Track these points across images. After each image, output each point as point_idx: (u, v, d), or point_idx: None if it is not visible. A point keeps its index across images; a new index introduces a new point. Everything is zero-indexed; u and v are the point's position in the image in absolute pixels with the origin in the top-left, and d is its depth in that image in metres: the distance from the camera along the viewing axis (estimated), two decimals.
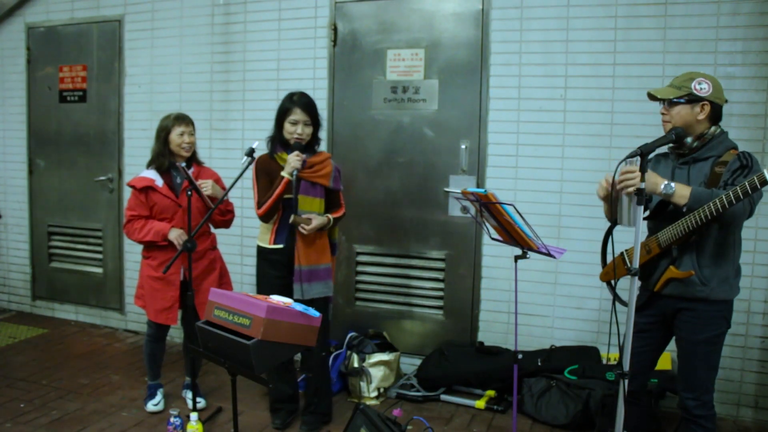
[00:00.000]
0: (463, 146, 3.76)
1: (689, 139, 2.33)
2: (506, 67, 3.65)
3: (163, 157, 3.23)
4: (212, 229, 3.42)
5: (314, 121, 3.03)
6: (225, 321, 2.22)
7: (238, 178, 2.92)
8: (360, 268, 4.06)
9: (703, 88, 2.28)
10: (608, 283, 2.65)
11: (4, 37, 5.03)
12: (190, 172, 3.24)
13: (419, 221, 3.91)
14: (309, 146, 3.05)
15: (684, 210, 2.20)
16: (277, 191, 2.93)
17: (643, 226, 2.35)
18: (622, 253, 2.57)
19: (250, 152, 2.91)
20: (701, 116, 2.29)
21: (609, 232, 2.58)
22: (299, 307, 2.28)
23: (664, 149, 2.41)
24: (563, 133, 3.57)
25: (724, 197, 2.09)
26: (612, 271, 2.57)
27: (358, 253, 4.04)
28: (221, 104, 4.34)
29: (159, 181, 3.22)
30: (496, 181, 3.70)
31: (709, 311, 2.31)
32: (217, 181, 3.34)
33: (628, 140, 3.22)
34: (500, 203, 2.43)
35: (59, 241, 5.02)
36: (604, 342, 3.51)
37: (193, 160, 3.32)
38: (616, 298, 2.48)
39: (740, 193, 2.05)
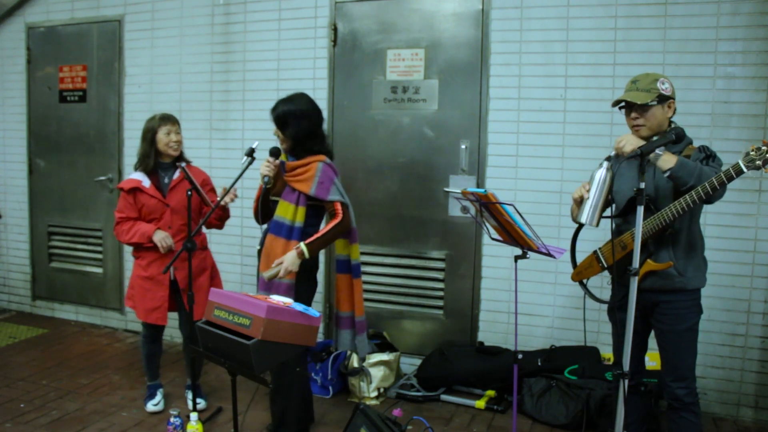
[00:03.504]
0: (463, 146, 3.76)
1: (656, 137, 2.35)
2: (506, 67, 3.65)
3: (149, 158, 3.25)
4: (204, 230, 3.42)
5: (286, 131, 2.83)
6: (225, 321, 2.22)
7: (238, 178, 2.92)
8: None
9: (667, 87, 2.37)
10: (581, 282, 2.71)
11: (4, 37, 5.03)
12: (177, 172, 3.25)
13: (419, 221, 3.91)
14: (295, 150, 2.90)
15: (666, 175, 2.21)
16: (256, 195, 2.97)
17: (611, 225, 2.45)
18: (595, 252, 2.60)
19: (250, 152, 2.90)
20: (669, 114, 2.40)
21: (576, 233, 2.73)
22: (299, 307, 2.28)
23: None
24: (563, 133, 3.57)
25: (707, 184, 2.14)
26: (584, 271, 2.65)
27: None
28: (221, 104, 4.34)
29: (146, 182, 3.23)
30: (496, 181, 3.70)
31: (687, 300, 2.40)
32: (206, 180, 3.35)
33: None
34: (500, 203, 2.43)
35: (59, 241, 5.02)
36: (604, 342, 3.51)
37: (180, 159, 3.32)
38: (589, 295, 2.65)
39: (716, 183, 2.12)
